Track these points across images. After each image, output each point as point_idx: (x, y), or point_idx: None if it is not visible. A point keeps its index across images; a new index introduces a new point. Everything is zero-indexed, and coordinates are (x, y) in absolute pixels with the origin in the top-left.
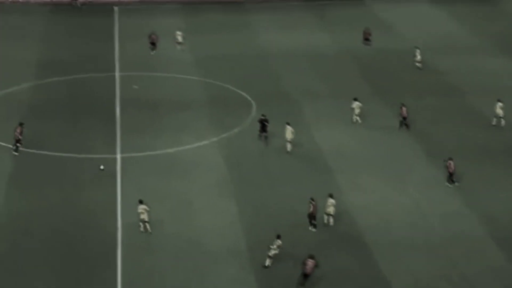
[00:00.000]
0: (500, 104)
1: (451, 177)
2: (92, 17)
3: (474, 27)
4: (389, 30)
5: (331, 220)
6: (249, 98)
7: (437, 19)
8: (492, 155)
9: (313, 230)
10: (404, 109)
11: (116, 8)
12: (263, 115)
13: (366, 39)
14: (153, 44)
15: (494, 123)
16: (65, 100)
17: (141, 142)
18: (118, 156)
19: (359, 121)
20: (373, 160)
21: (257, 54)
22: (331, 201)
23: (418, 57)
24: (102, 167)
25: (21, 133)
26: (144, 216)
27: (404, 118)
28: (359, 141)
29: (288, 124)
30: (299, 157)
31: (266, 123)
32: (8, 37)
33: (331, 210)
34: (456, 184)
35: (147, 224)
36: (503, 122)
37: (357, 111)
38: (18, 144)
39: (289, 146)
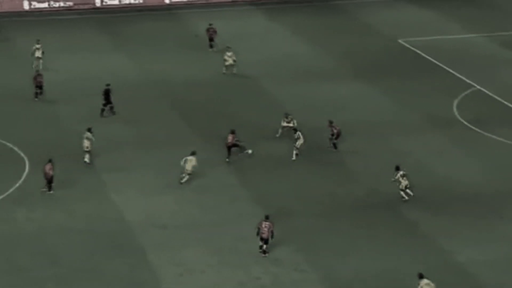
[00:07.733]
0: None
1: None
2: None
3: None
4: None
5: None
6: (19, 151)
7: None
8: None
9: None
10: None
11: None
12: (107, 85)
13: (211, 40)
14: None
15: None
16: None
17: None
18: None
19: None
20: None
21: (22, 88)
22: None
23: (230, 60)
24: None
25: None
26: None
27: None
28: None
29: None
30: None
31: (108, 94)
32: None
33: None
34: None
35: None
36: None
37: None
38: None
39: None
